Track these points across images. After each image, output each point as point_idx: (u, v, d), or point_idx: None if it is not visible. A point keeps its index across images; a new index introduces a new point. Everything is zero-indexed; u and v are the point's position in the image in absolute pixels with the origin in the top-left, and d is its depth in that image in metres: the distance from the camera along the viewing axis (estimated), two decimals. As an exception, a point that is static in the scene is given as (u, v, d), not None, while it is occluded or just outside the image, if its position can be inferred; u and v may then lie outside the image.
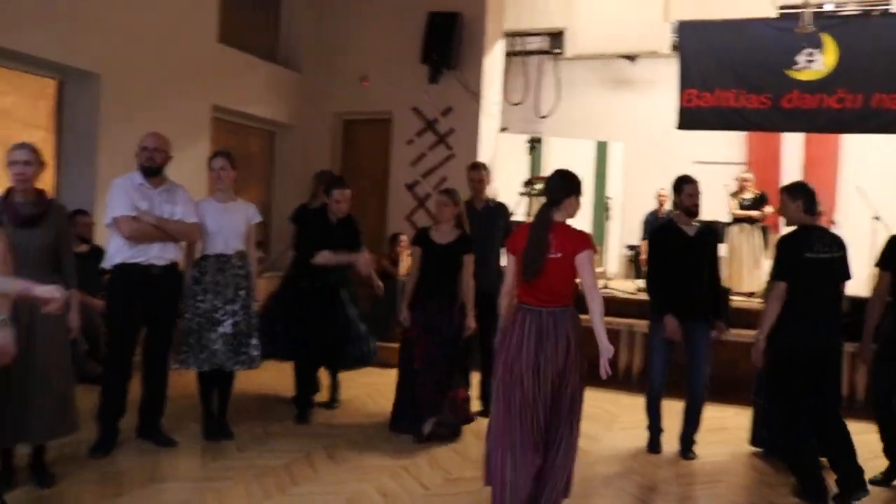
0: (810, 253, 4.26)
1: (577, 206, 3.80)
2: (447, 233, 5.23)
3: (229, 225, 4.88)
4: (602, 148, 11.32)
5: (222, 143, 7.90)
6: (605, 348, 3.49)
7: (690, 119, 8.49)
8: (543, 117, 10.56)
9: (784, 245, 4.40)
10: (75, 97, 6.44)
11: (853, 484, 4.20)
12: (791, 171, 10.20)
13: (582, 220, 10.86)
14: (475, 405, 5.65)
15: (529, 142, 8.60)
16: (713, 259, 5.11)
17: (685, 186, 4.96)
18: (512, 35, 10.35)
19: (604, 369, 3.45)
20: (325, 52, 9.21)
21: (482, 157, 8.50)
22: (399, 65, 8.74)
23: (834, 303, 4.38)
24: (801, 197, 4.38)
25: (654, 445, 5.11)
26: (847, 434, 4.30)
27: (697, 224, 5.04)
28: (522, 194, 8.77)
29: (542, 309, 3.66)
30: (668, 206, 8.84)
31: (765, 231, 8.96)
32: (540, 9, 10.25)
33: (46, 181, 5.75)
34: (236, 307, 4.81)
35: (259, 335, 4.94)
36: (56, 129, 6.45)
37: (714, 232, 5.18)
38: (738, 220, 9.00)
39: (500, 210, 6.05)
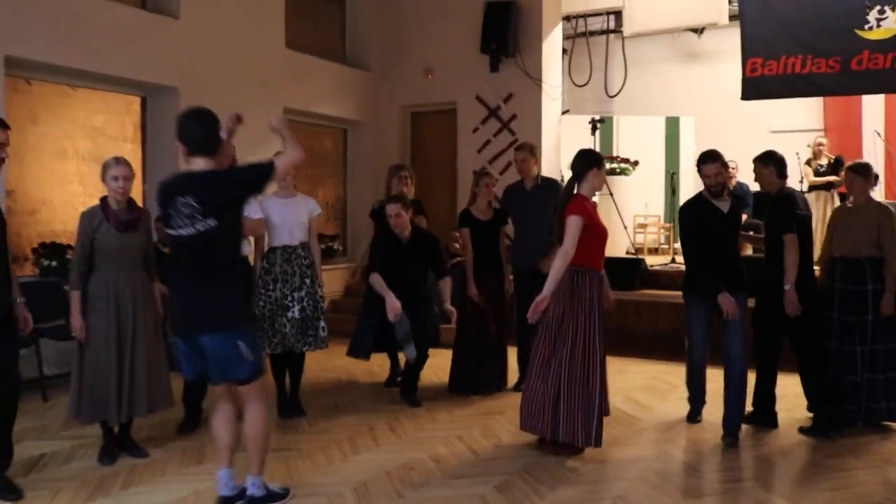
0: (799, 211, 4.73)
1: (601, 178, 4.31)
2: (485, 210, 5.77)
3: (292, 218, 5.27)
4: (672, 123, 11.27)
5: (295, 143, 8.37)
6: (542, 295, 4.09)
7: (755, 88, 8.32)
8: (612, 96, 10.58)
9: (781, 204, 4.76)
10: (157, 111, 7.06)
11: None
12: (871, 136, 9.87)
13: (654, 197, 11.01)
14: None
15: (591, 122, 8.70)
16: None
17: (702, 167, 4.72)
18: (574, 17, 10.45)
19: (530, 312, 4.08)
20: (389, 49, 9.60)
21: (546, 140, 8.71)
22: (461, 56, 9.05)
23: (811, 258, 4.90)
24: (772, 163, 4.81)
25: (694, 415, 5.13)
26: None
27: (728, 200, 4.81)
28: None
29: None
30: (738, 177, 8.73)
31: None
32: (595, -11, 10.28)
33: (134, 189, 6.32)
34: (303, 294, 5.21)
35: (369, 333, 5.52)
36: (141, 141, 7.08)
37: (743, 205, 5.22)
38: (813, 187, 8.83)
39: (552, 187, 5.93)
